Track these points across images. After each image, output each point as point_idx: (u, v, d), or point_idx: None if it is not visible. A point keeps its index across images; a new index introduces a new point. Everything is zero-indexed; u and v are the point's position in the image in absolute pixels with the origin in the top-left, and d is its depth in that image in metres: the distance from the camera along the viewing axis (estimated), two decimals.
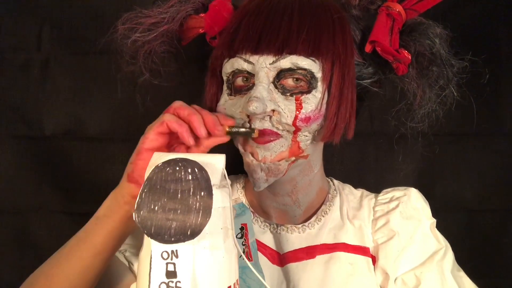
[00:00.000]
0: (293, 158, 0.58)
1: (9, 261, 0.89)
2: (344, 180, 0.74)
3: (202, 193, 0.39)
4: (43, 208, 0.88)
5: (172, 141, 0.55)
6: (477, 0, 0.90)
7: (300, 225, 0.66)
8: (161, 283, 0.38)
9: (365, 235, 0.65)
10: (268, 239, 0.65)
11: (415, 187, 0.67)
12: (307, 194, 0.65)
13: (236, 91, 0.59)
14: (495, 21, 0.92)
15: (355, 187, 0.72)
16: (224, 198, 0.43)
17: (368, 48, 0.60)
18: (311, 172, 0.64)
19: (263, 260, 0.63)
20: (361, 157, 0.92)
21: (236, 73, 0.59)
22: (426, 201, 0.66)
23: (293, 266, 0.63)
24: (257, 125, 0.56)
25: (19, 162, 0.88)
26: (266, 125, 0.56)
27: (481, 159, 0.95)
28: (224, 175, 0.43)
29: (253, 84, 0.57)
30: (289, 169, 0.59)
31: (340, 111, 0.58)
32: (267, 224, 0.67)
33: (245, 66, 0.57)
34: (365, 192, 0.71)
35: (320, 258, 0.64)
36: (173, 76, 0.71)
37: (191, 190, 0.39)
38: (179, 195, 0.39)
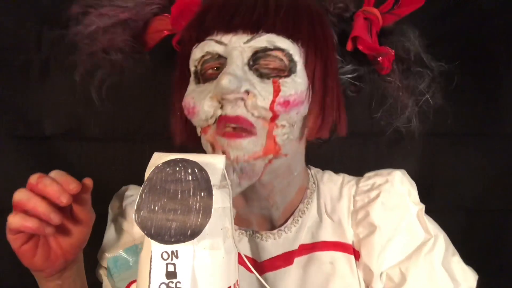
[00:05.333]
0: (271, 156, 0.52)
1: (9, 261, 0.89)
2: None
3: (202, 193, 0.39)
4: None
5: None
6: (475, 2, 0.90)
7: (275, 231, 0.61)
8: (161, 283, 0.38)
9: (346, 230, 0.61)
10: (244, 248, 0.61)
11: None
12: (286, 196, 0.60)
13: (205, 80, 0.54)
14: (494, 22, 0.92)
15: None
16: (224, 199, 0.43)
17: (349, 46, 0.58)
18: (290, 175, 0.58)
19: (240, 269, 0.59)
20: (361, 157, 0.92)
21: (206, 60, 0.53)
22: (413, 184, 0.62)
23: (270, 275, 0.60)
24: (229, 111, 0.50)
25: (19, 162, 0.88)
26: (239, 111, 0.50)
27: (481, 159, 0.95)
28: (224, 175, 0.43)
29: None
30: (265, 172, 0.53)
31: (326, 104, 0.55)
32: (243, 232, 0.62)
33: (217, 48, 0.52)
34: (346, 178, 0.66)
35: (297, 262, 0.60)
36: (135, 73, 0.67)
37: (191, 191, 0.39)
38: (179, 196, 0.39)
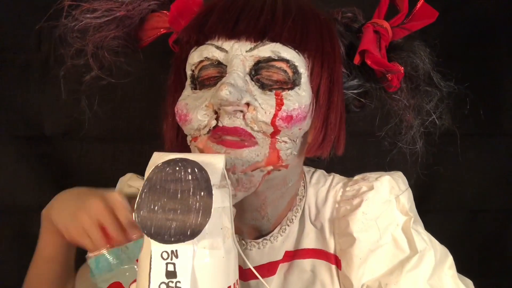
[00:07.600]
0: (270, 168, 0.49)
1: (9, 261, 0.89)
2: None
3: (202, 193, 0.39)
4: (43, 208, 0.88)
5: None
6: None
7: (260, 240, 0.58)
8: (161, 283, 0.38)
9: (328, 238, 0.57)
10: None
11: (415, 187, 0.63)
12: (278, 207, 0.57)
13: (202, 85, 0.50)
14: (495, 21, 0.92)
15: None
16: (224, 198, 0.43)
17: (357, 59, 0.53)
18: (284, 187, 0.54)
19: None
20: (361, 157, 0.92)
21: (204, 66, 0.49)
22: (406, 190, 0.57)
23: (253, 283, 0.57)
24: (226, 122, 0.46)
25: (19, 162, 0.88)
26: (238, 123, 0.46)
27: (481, 159, 0.95)
28: (224, 175, 0.43)
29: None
30: (262, 182, 0.49)
31: (330, 120, 0.51)
32: None
33: (217, 54, 0.48)
34: (336, 179, 0.62)
35: (280, 269, 0.58)
36: (127, 76, 0.62)
37: (191, 190, 0.39)
38: (179, 195, 0.39)
